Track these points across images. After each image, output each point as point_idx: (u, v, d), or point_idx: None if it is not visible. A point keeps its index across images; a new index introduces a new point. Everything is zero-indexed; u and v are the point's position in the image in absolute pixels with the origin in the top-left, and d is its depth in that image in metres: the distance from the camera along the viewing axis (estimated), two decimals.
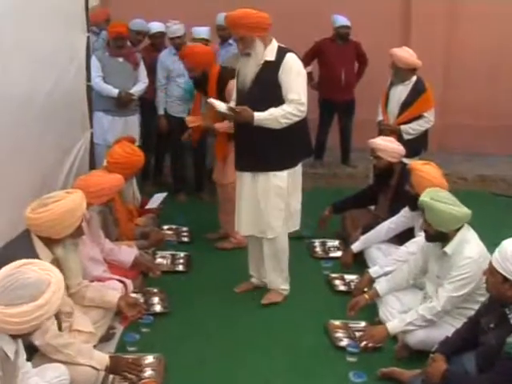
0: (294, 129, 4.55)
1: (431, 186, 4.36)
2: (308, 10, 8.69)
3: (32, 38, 4.28)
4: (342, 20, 8.20)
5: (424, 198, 4.07)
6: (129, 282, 4.52)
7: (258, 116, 4.45)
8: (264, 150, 4.60)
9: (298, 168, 4.82)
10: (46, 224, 3.53)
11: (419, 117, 6.53)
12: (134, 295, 4.63)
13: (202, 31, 7.34)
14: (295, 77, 4.48)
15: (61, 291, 2.76)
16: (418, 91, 6.54)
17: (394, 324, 4.12)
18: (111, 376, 3.72)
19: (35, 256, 3.44)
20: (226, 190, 5.82)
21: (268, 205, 4.67)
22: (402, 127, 6.48)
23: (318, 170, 8.44)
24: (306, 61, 7.81)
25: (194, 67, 5.68)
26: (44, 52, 4.54)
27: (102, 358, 3.58)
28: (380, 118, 6.72)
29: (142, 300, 4.71)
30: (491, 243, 3.63)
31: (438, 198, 4.03)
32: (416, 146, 6.54)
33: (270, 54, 4.52)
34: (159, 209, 6.00)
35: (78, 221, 3.69)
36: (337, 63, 8.03)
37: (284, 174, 4.65)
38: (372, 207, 6.09)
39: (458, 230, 4.03)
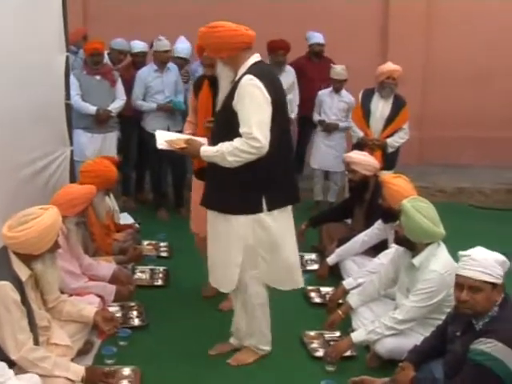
0: (260, 166, 3.78)
1: (402, 198, 4.39)
2: (284, 28, 8.72)
3: (6, 55, 4.39)
4: (315, 37, 8.31)
5: (406, 202, 4.16)
6: (108, 294, 4.62)
7: (205, 152, 3.86)
8: (220, 186, 3.97)
9: (280, 215, 4.04)
10: (27, 242, 3.57)
11: (398, 130, 6.83)
12: (112, 309, 4.73)
13: (183, 50, 7.51)
14: (248, 105, 3.71)
15: None
16: (399, 105, 6.86)
17: (357, 333, 4.24)
18: None
19: (12, 273, 3.55)
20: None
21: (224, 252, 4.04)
22: (388, 141, 6.76)
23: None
24: None
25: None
26: (17, 69, 4.60)
27: (78, 370, 3.67)
28: (359, 134, 6.89)
29: (119, 314, 4.80)
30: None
31: (419, 208, 4.10)
32: (394, 159, 6.82)
33: (239, 75, 3.85)
34: (137, 225, 6.09)
35: (55, 235, 3.76)
36: (314, 80, 8.07)
37: (243, 219, 3.93)
38: (349, 221, 6.22)
39: (427, 244, 4.12)
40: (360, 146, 6.75)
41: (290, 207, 4.13)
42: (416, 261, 4.11)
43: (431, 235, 4.09)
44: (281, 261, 4.08)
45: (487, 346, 3.19)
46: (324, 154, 7.72)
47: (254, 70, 3.81)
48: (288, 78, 7.58)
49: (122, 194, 7.56)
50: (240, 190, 3.87)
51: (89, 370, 3.74)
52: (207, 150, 3.85)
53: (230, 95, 3.82)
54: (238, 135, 3.70)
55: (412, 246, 4.16)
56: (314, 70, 8.22)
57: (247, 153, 3.68)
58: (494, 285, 3.28)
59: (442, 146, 9.63)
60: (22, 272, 3.62)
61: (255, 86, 3.73)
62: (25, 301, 3.60)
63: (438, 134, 9.71)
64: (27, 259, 3.66)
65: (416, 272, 4.12)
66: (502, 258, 3.35)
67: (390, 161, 6.75)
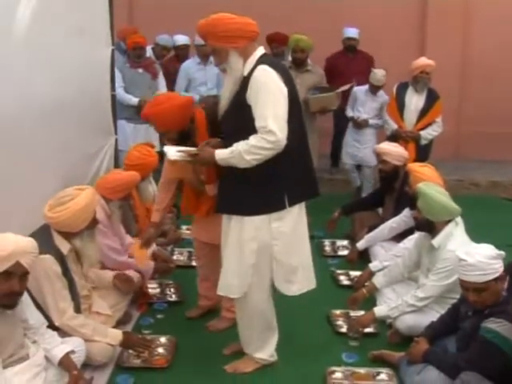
0: (279, 162, 3.59)
1: None
2: (323, 24, 9.01)
3: (59, 51, 4.71)
4: (348, 32, 8.46)
5: (421, 185, 4.43)
6: (147, 270, 4.95)
7: (220, 154, 3.59)
8: (236, 187, 3.75)
9: (297, 211, 3.84)
10: (65, 221, 3.88)
11: (432, 123, 7.07)
12: (150, 285, 5.15)
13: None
14: (263, 97, 3.47)
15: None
16: (432, 99, 7.10)
17: (380, 308, 4.49)
18: (125, 354, 4.13)
19: (54, 247, 3.89)
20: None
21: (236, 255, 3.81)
22: (422, 133, 7.01)
23: (334, 175, 8.82)
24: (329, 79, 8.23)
25: (168, 130, 4.19)
26: (70, 64, 4.93)
27: (116, 335, 4.01)
28: (394, 126, 7.11)
29: (158, 290, 5.17)
30: (502, 244, 3.80)
31: (433, 187, 4.40)
32: (427, 151, 7.07)
33: (248, 68, 3.61)
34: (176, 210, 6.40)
35: (92, 214, 4.05)
36: (347, 74, 8.12)
37: (258, 218, 3.72)
38: (380, 210, 6.43)
39: (446, 224, 4.34)
40: (394, 138, 6.95)
41: (304, 203, 3.92)
42: (435, 242, 4.32)
43: (449, 211, 4.31)
44: (295, 260, 3.88)
45: (497, 324, 3.38)
46: (353, 148, 7.86)
47: (265, 61, 3.60)
48: None
49: None
50: (261, 189, 3.67)
51: (126, 335, 4.08)
52: (222, 153, 3.59)
53: (242, 89, 3.57)
54: (253, 132, 3.48)
55: (431, 228, 4.38)
56: (348, 65, 8.33)
57: (265, 149, 3.47)
58: (496, 278, 3.45)
59: (478, 142, 9.70)
60: (63, 246, 3.95)
61: (270, 77, 3.53)
62: (67, 272, 3.95)
63: (475, 129, 9.80)
64: (67, 236, 3.97)
65: (435, 252, 4.34)
66: (495, 252, 3.50)
67: (423, 153, 6.94)
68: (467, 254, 3.50)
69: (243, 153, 3.48)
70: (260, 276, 3.82)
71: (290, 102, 3.60)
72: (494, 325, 3.39)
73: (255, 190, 3.68)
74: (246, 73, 3.60)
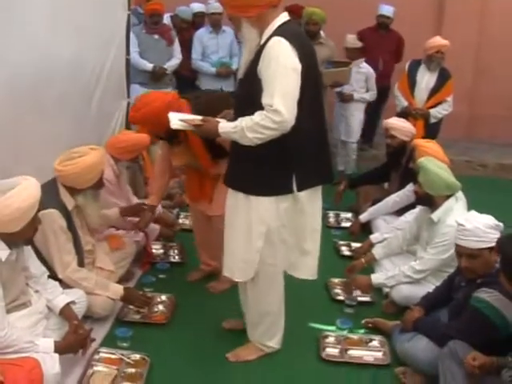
0: (289, 142, 3.34)
1: None
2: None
3: (80, 16, 4.85)
4: (383, 9, 8.43)
5: (423, 159, 4.53)
6: (151, 231, 5.10)
7: (223, 128, 3.39)
8: (244, 164, 3.53)
9: (310, 196, 3.62)
10: (71, 176, 3.99)
11: (442, 101, 7.10)
12: (155, 246, 5.29)
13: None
14: (273, 71, 3.18)
15: (28, 193, 3.21)
16: (444, 78, 7.13)
17: (377, 275, 4.60)
18: (125, 309, 4.28)
19: (60, 202, 4.01)
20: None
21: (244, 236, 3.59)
22: (432, 111, 7.07)
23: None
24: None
25: (159, 130, 4.15)
26: (90, 26, 5.07)
27: (117, 289, 4.14)
28: (404, 103, 7.15)
29: (161, 250, 5.32)
30: (506, 225, 3.77)
31: (435, 162, 4.50)
32: (436, 130, 7.15)
33: (265, 37, 3.33)
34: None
35: (98, 174, 4.16)
36: (376, 51, 8.19)
37: (267, 200, 3.50)
38: (386, 185, 6.50)
39: (446, 199, 4.42)
40: (404, 114, 6.98)
41: (319, 188, 3.72)
42: (435, 216, 4.40)
43: (449, 185, 4.39)
44: (302, 246, 3.74)
45: (488, 294, 3.43)
46: (338, 123, 7.82)
47: (283, 31, 3.28)
48: None
49: None
50: (268, 169, 3.45)
51: (127, 289, 4.21)
52: (225, 126, 3.39)
53: (255, 60, 3.30)
54: (261, 108, 3.22)
55: (431, 202, 4.46)
56: (378, 42, 8.32)
57: (268, 128, 3.19)
58: (490, 248, 3.53)
59: (490, 124, 9.73)
60: (68, 202, 4.07)
61: (283, 49, 3.21)
62: (71, 227, 4.07)
63: (487, 111, 9.79)
64: (71, 192, 4.08)
65: (435, 226, 4.42)
66: (493, 222, 3.59)
67: (431, 131, 6.98)
68: (466, 220, 3.61)
69: (246, 129, 3.24)
70: (268, 260, 3.64)
71: (305, 78, 3.28)
72: (484, 295, 3.45)
73: (262, 170, 3.45)
74: (262, 42, 3.32)
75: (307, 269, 3.84)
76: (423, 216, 4.65)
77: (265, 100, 3.19)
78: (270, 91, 3.18)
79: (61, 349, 3.34)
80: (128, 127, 6.25)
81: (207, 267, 4.94)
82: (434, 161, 4.52)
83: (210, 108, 3.88)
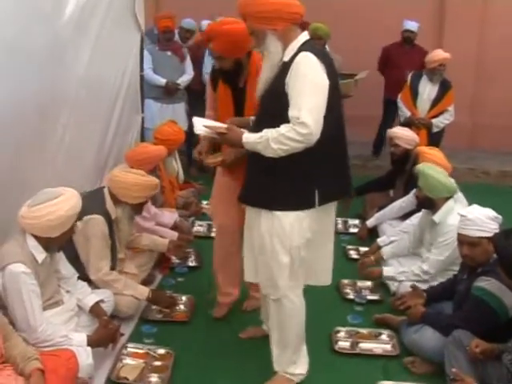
0: (313, 156, 3.32)
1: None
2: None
3: (100, 37, 5.10)
4: (407, 24, 8.65)
5: (420, 165, 4.85)
6: (170, 237, 5.31)
7: (247, 138, 3.37)
8: (267, 179, 3.46)
9: (324, 213, 3.59)
10: (120, 186, 4.37)
11: (444, 111, 7.39)
12: None
13: None
14: (301, 85, 3.21)
15: (72, 203, 3.49)
16: (445, 88, 7.42)
17: (388, 269, 4.94)
18: (149, 309, 4.56)
19: (105, 210, 4.34)
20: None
21: (268, 253, 3.52)
22: (434, 121, 7.34)
23: (367, 162, 9.11)
24: (381, 68, 8.75)
25: (226, 52, 4.00)
26: (108, 48, 5.32)
27: (144, 291, 4.45)
28: (407, 113, 7.45)
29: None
30: None
31: (432, 167, 4.82)
32: (438, 139, 7.43)
33: (289, 54, 3.35)
34: (201, 189, 6.79)
35: (143, 197, 4.49)
36: (402, 65, 8.35)
37: (290, 215, 3.43)
38: (391, 193, 6.74)
39: (446, 200, 4.70)
40: (407, 124, 7.26)
41: (334, 203, 3.68)
42: (436, 217, 4.68)
43: (447, 187, 4.68)
44: (319, 258, 3.74)
45: (486, 282, 3.71)
46: None
47: (309, 48, 3.33)
48: None
49: (187, 162, 8.17)
50: (292, 183, 3.41)
51: (154, 292, 4.52)
52: (249, 137, 3.36)
53: (281, 76, 3.31)
54: (287, 122, 3.22)
55: (432, 205, 4.75)
56: (403, 56, 8.54)
57: (294, 140, 3.18)
58: (489, 238, 3.77)
59: (493, 133, 9.85)
60: (112, 211, 4.40)
61: (313, 65, 3.25)
62: (112, 234, 4.40)
63: (489, 120, 9.93)
64: (115, 201, 4.42)
65: (437, 227, 4.70)
66: (493, 214, 3.88)
67: (434, 140, 7.21)
68: (467, 211, 3.92)
69: (271, 141, 3.22)
70: (294, 276, 3.57)
71: (332, 95, 3.32)
72: (483, 283, 3.72)
73: (284, 184, 3.41)
74: (286, 58, 3.34)
75: (322, 278, 3.86)
76: (425, 219, 4.93)
77: (292, 113, 3.20)
78: (297, 104, 3.19)
79: (93, 342, 3.62)
80: (143, 140, 6.53)
81: (227, 298, 4.70)
82: (431, 166, 4.84)
83: None
